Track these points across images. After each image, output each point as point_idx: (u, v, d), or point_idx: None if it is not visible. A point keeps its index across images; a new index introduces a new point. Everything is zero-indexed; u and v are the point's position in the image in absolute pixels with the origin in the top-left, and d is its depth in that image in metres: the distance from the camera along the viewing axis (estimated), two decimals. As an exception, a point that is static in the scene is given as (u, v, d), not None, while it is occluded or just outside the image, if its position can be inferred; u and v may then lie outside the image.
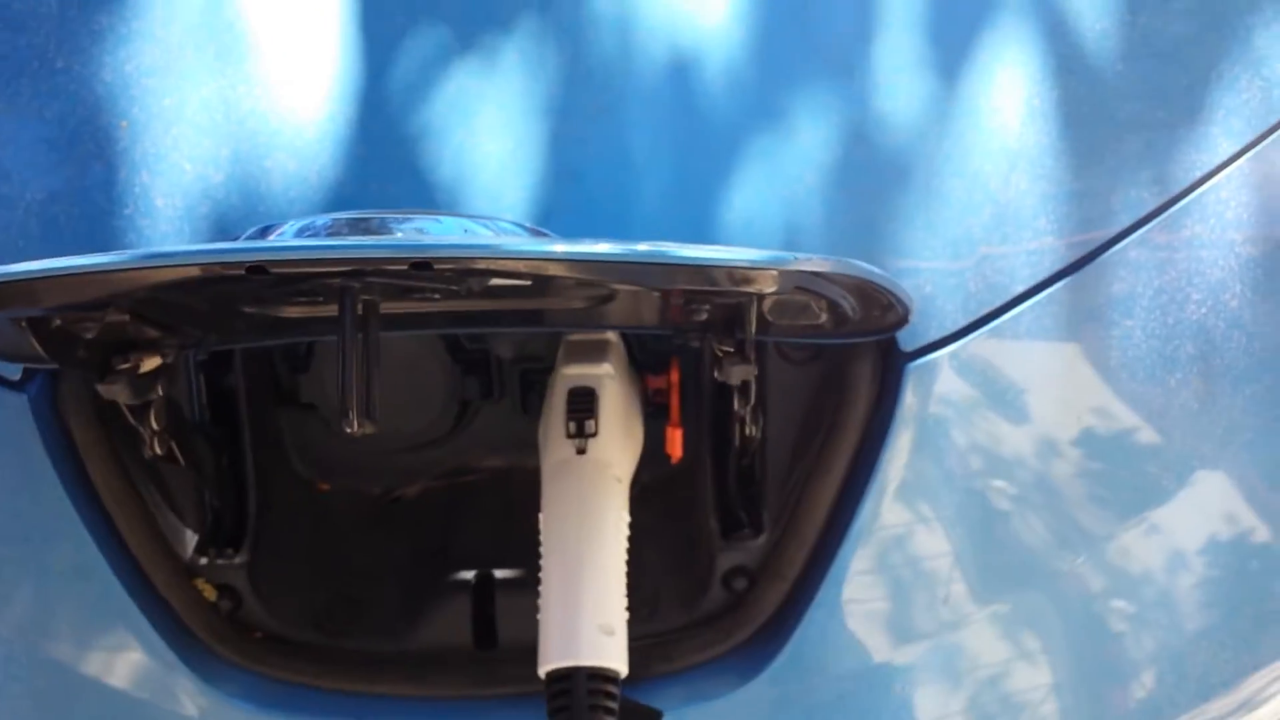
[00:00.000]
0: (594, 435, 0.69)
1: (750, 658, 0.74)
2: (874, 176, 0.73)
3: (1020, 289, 0.72)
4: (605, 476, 0.68)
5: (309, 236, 0.58)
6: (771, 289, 0.55)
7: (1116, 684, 0.77)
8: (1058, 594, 0.77)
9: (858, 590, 0.74)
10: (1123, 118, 0.74)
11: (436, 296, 0.59)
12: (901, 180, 0.73)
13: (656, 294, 0.64)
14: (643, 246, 0.48)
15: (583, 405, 0.70)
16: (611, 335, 0.76)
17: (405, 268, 0.51)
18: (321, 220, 0.59)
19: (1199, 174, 0.74)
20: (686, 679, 0.74)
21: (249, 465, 0.76)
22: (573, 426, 0.69)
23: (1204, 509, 0.77)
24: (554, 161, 0.72)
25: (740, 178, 0.73)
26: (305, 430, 0.84)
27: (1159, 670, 0.77)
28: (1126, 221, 0.72)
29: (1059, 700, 0.78)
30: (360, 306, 0.54)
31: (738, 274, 0.54)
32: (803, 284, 0.58)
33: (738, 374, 0.65)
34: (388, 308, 0.60)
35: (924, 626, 0.75)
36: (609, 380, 0.72)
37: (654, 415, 0.80)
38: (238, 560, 0.75)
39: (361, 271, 0.53)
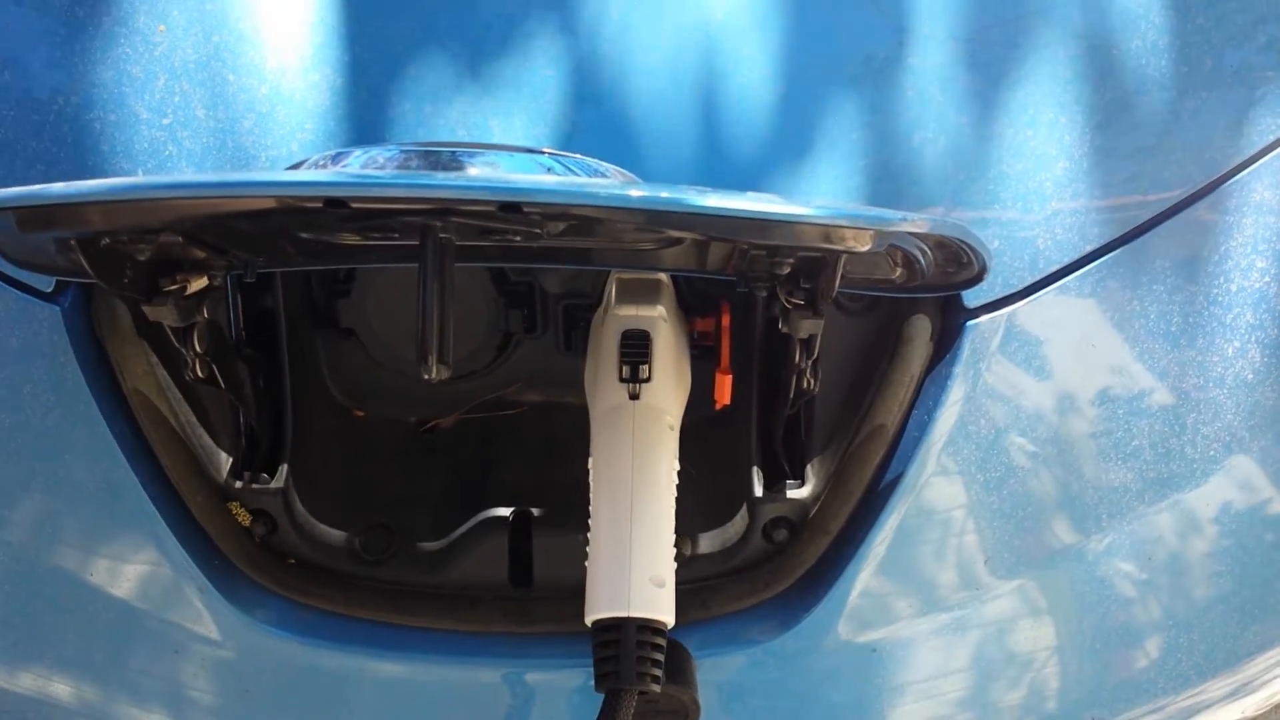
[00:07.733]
0: (647, 380, 0.67)
1: (788, 608, 0.75)
2: (945, 123, 0.70)
3: (1088, 248, 0.71)
4: (659, 424, 0.67)
5: (380, 168, 0.55)
6: (865, 247, 0.53)
7: (1123, 651, 0.78)
8: (1083, 562, 0.76)
9: (899, 549, 0.74)
10: (1199, 78, 0.73)
11: (516, 238, 0.57)
12: (973, 128, 0.71)
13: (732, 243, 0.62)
14: (749, 203, 0.46)
15: (636, 349, 0.68)
16: (663, 275, 0.74)
17: (493, 209, 0.49)
18: (388, 152, 0.56)
19: (1273, 137, 0.73)
20: (723, 626, 0.74)
21: (286, 388, 0.76)
22: (626, 370, 0.67)
23: (1248, 482, 0.77)
24: (575, 84, 0.69)
25: (799, 123, 0.71)
26: (342, 356, 0.83)
27: (1166, 640, 0.78)
28: (1200, 182, 0.72)
29: (1062, 663, 0.78)
30: (439, 246, 0.52)
31: (836, 233, 0.52)
32: (898, 242, 0.56)
33: (806, 327, 0.63)
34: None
35: (960, 590, 0.75)
36: (662, 323, 0.70)
37: (697, 357, 0.78)
38: (273, 485, 0.74)
39: (447, 210, 0.50)
